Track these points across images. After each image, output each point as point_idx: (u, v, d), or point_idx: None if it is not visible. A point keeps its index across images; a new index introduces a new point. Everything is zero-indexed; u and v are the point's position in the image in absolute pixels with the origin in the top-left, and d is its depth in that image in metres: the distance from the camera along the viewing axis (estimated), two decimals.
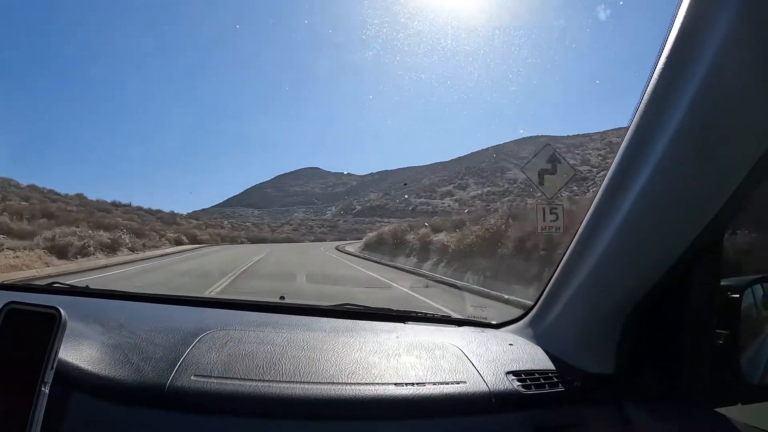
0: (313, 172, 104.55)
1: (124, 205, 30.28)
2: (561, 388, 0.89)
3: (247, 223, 41.90)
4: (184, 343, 0.93)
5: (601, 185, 0.81)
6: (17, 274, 8.55)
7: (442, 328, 1.23)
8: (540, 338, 1.06)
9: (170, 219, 31.58)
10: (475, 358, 0.96)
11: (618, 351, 0.87)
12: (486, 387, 0.86)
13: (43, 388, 0.68)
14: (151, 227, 23.26)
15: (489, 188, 57.90)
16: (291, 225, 48.21)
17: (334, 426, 0.80)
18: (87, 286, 1.56)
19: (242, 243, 30.71)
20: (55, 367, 0.71)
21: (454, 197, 58.10)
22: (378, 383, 0.84)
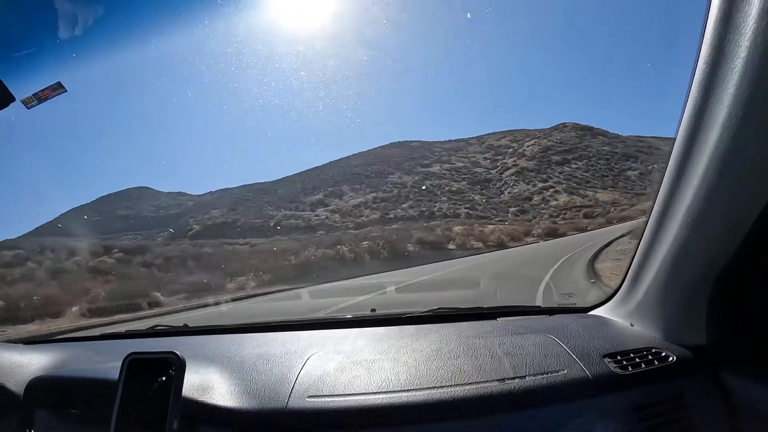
0: (143, 193, 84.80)
1: None
2: (656, 365, 0.89)
3: None
4: (292, 367, 0.99)
5: (668, 161, 0.79)
6: None
7: (534, 318, 1.25)
8: (630, 316, 1.06)
9: None
10: (569, 345, 0.98)
11: (708, 321, 0.86)
12: (584, 373, 0.88)
13: (174, 427, 0.74)
14: None
15: (374, 194, 55.89)
16: None
17: (445, 427, 0.83)
18: (185, 324, 1.60)
19: None
20: (180, 406, 0.77)
21: (329, 207, 52.93)
22: (482, 382, 0.87)
